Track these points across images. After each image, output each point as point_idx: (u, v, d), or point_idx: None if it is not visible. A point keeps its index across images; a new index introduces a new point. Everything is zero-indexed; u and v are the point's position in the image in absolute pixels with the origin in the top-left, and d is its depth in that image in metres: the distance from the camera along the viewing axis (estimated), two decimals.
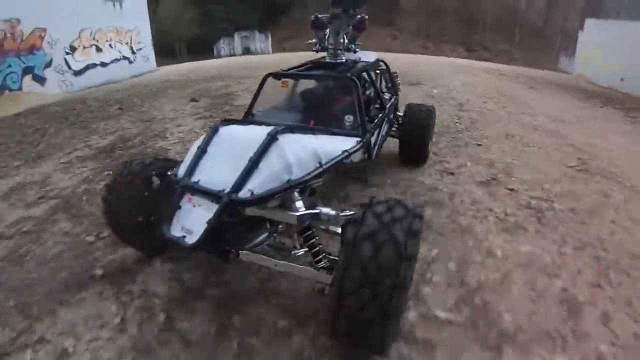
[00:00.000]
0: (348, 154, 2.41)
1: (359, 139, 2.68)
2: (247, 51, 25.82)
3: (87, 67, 10.83)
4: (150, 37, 14.13)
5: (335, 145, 2.38)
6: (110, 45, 11.91)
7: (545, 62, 25.44)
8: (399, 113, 4.35)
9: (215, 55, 26.31)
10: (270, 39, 27.00)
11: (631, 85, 11.58)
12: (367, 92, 3.70)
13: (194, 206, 1.91)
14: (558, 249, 2.94)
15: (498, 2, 38.99)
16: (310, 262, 2.00)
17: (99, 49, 11.38)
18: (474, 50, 34.75)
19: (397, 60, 13.73)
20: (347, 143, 2.51)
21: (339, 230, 1.92)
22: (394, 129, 4.28)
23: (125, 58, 12.56)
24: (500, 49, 35.43)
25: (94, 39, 11.21)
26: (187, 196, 1.95)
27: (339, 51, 3.44)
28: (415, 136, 4.02)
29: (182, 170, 2.08)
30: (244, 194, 1.84)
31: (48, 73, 9.62)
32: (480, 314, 2.29)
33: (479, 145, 5.22)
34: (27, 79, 9.09)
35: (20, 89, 8.85)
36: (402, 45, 30.67)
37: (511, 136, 5.66)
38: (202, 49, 28.40)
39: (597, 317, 2.29)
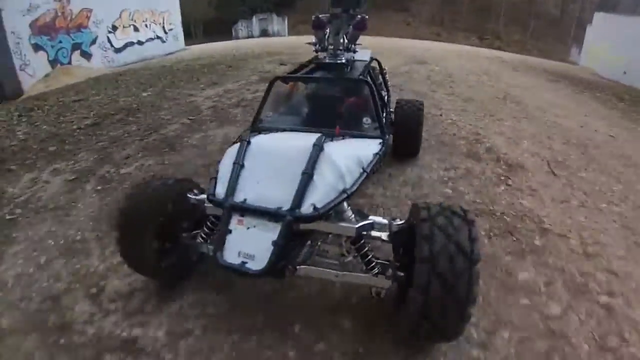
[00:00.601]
0: (380, 156, 2.37)
1: (381, 140, 2.61)
2: (264, 33, 26.26)
3: (126, 45, 11.85)
4: (180, 19, 15.01)
5: (366, 149, 2.34)
6: (146, 25, 12.87)
7: (559, 53, 25.61)
8: (390, 109, 4.35)
9: (233, 37, 26.85)
10: (286, 22, 27.53)
11: (633, 79, 12.23)
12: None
13: (248, 228, 1.83)
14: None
15: None
16: (361, 269, 1.98)
17: (136, 29, 12.38)
18: (486, 38, 34.84)
19: (409, 46, 14.56)
20: (374, 145, 2.46)
21: (384, 236, 1.98)
22: None
23: (158, 37, 13.53)
24: (514, 39, 35.42)
25: (132, 19, 12.16)
26: (236, 218, 1.85)
27: (338, 51, 3.39)
28: (408, 131, 4.01)
29: (220, 189, 1.97)
30: (306, 209, 1.79)
31: (93, 49, 10.64)
32: None
33: (451, 87, 7.86)
34: (76, 54, 10.10)
35: (69, 63, 9.85)
36: (416, 32, 30.85)
37: (467, 86, 8.09)
38: (217, 30, 28.99)
39: None
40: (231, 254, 1.78)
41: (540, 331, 2.16)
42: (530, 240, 2.93)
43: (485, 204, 3.43)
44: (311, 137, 2.08)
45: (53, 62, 9.38)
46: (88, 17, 10.41)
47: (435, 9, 38.62)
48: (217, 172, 2.07)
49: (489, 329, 2.15)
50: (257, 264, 1.71)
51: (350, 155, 2.10)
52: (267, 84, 3.00)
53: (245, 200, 1.87)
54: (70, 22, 9.88)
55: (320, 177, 1.88)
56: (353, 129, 2.73)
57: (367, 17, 3.26)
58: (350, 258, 2.02)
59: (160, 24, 13.65)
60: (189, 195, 2.17)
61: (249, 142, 2.12)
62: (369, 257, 1.94)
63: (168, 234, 2.17)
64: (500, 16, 38.10)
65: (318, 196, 1.83)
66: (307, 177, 1.86)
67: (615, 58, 13.51)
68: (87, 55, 10.39)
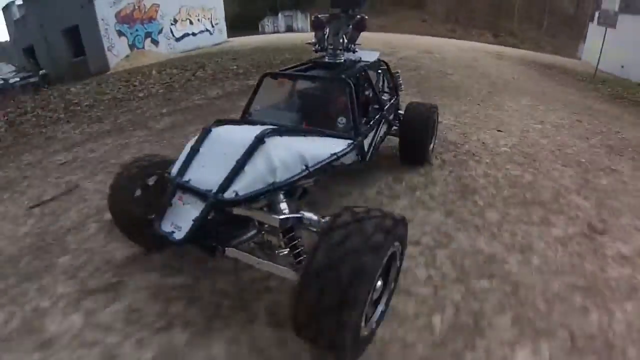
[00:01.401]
0: (337, 157, 2.45)
1: (350, 141, 2.68)
2: (289, 29, 28.45)
3: (184, 36, 14.07)
4: (224, 15, 17.16)
5: (325, 148, 2.43)
6: (198, 20, 15.06)
7: (572, 49, 25.98)
8: (400, 112, 4.27)
9: (260, 32, 28.68)
10: (309, 18, 29.45)
11: (629, 72, 13.76)
12: (367, 93, 3.68)
13: (184, 204, 1.99)
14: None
15: None
16: (291, 262, 2.03)
17: (191, 22, 14.61)
18: (500, 35, 35.52)
19: (423, 42, 16.56)
20: (338, 145, 2.54)
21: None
22: (395, 128, 4.15)
23: (207, 30, 15.74)
24: (528, 36, 35.92)
25: (188, 14, 14.33)
26: (179, 194, 2.02)
27: (338, 51, 3.42)
28: (414, 136, 3.92)
29: (175, 169, 2.12)
30: (229, 194, 1.90)
31: (160, 38, 12.88)
32: None
33: (442, 64, 10.82)
34: (147, 41, 12.32)
35: (143, 47, 12.04)
36: (431, 29, 31.58)
37: (454, 65, 10.97)
38: (242, 25, 30.88)
39: None
40: (166, 224, 1.97)
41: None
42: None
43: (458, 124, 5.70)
44: (262, 131, 2.12)
45: (131, 46, 11.62)
46: (156, 11, 12.65)
47: (451, 6, 39.48)
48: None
49: None
50: (179, 235, 1.90)
51: (294, 152, 2.15)
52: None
53: (189, 180, 2.02)
54: (144, 14, 12.12)
55: (252, 167, 1.97)
56: (327, 127, 2.81)
57: (366, 17, 3.32)
58: (286, 251, 2.07)
59: (209, 19, 15.89)
60: (166, 172, 2.30)
61: (209, 130, 2.22)
62: (298, 250, 2.05)
63: (151, 207, 2.24)
64: (515, 13, 38.94)
65: (243, 184, 1.93)
66: (238, 166, 1.95)
67: (613, 53, 14.48)
68: (155, 42, 12.67)
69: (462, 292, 2.33)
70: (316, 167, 2.24)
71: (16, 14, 13.77)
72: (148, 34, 12.36)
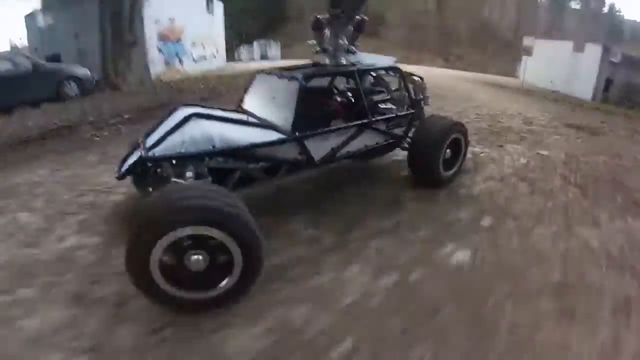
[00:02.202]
0: (252, 145, 2.72)
1: (282, 135, 2.82)
2: (264, 57, 29.88)
3: (200, 58, 16.27)
4: (224, 44, 19.76)
5: (246, 136, 2.76)
6: (206, 45, 17.45)
7: (511, 69, 28.35)
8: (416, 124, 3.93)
9: (236, 59, 30.32)
10: (279, 47, 31.67)
11: (557, 85, 17.52)
12: (344, 98, 3.72)
13: (135, 153, 2.91)
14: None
15: (473, 17, 44.02)
16: None
17: (203, 47, 16.88)
18: (449, 59, 38.98)
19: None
20: (264, 136, 2.80)
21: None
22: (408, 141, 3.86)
23: (213, 55, 18.03)
24: (474, 59, 38.70)
25: (200, 40, 16.74)
26: (140, 146, 2.82)
27: (337, 53, 3.40)
28: (422, 154, 3.63)
29: (147, 131, 3.03)
30: (150, 153, 2.58)
31: (184, 58, 15.07)
32: None
33: None
34: (176, 59, 14.55)
35: (174, 65, 14.30)
36: (387, 54, 33.70)
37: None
38: None
39: None
40: (125, 165, 2.87)
41: None
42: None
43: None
44: (191, 113, 2.83)
45: (165, 63, 13.82)
46: (182, 33, 14.93)
47: (404, 33, 42.65)
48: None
49: None
50: (120, 172, 2.86)
51: (206, 133, 2.66)
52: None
53: (147, 140, 2.81)
54: (175, 35, 14.39)
55: (172, 137, 2.63)
56: (271, 120, 3.02)
57: (366, 18, 3.35)
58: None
59: (213, 44, 18.26)
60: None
61: (175, 109, 3.18)
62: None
63: None
64: (462, 40, 43.19)
65: (161, 148, 2.60)
66: (165, 135, 2.65)
67: (543, 71, 18.79)
68: (181, 61, 14.82)
69: None
70: (223, 147, 2.66)
71: (41, 22, 14.14)
72: (177, 54, 14.59)
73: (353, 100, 3.71)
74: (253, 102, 3.49)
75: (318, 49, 3.49)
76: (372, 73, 3.94)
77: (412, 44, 41.43)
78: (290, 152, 2.92)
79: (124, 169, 2.82)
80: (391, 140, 3.76)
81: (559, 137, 6.84)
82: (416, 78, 4.08)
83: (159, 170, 2.74)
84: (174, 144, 2.58)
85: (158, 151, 2.56)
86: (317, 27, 3.36)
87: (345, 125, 3.30)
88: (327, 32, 3.36)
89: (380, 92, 4.00)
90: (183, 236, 1.89)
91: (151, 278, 1.90)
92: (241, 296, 2.13)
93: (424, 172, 3.76)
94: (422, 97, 4.06)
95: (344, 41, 3.35)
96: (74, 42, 12.48)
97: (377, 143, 3.60)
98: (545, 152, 5.59)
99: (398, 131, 3.78)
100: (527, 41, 17.36)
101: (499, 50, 40.73)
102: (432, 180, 3.78)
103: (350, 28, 3.35)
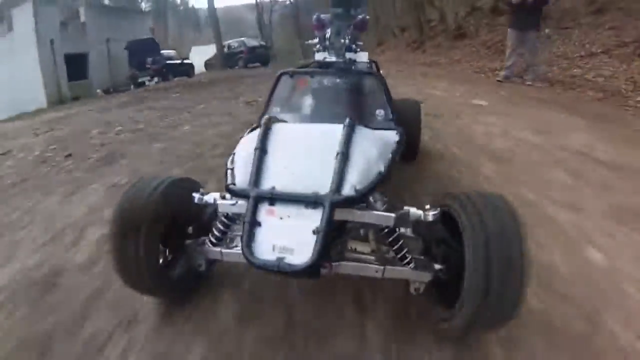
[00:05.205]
0: (401, 146, 2.19)
1: (397, 131, 2.36)
2: None
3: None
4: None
5: (389, 139, 2.17)
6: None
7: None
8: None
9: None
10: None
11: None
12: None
13: (281, 218, 1.50)
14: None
15: None
16: (392, 262, 1.67)
17: None
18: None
19: None
20: (393, 136, 2.27)
21: (408, 231, 1.70)
22: None
23: None
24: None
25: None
26: (266, 208, 1.52)
27: (340, 50, 3.27)
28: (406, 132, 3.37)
29: (241, 178, 1.61)
30: (348, 191, 1.48)
31: None
32: None
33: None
34: None
35: None
36: None
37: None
38: None
39: None
40: (264, 250, 1.44)
41: None
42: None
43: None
44: (348, 121, 1.77)
45: None
46: None
47: None
48: (231, 162, 1.73)
49: None
50: (299, 258, 1.38)
51: (379, 138, 1.90)
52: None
53: (273, 187, 1.54)
54: None
55: (359, 157, 1.59)
56: (366, 122, 2.39)
57: (368, 17, 3.30)
58: (391, 253, 1.66)
59: None
60: (193, 195, 1.76)
61: (269, 128, 1.77)
62: (405, 250, 1.63)
63: (169, 242, 1.77)
64: None
65: (357, 177, 1.53)
66: (344, 156, 1.56)
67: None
68: None
69: None
70: (397, 155, 2.00)
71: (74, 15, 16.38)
72: None
73: None
74: (306, 108, 2.92)
75: (319, 47, 3.51)
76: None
77: None
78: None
79: (304, 251, 1.47)
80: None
81: None
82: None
83: None
84: (368, 164, 1.81)
85: (358, 183, 1.63)
86: (319, 26, 3.39)
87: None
88: (328, 30, 3.39)
89: None
90: None
91: None
92: None
93: (410, 148, 3.54)
94: None
95: (346, 40, 3.34)
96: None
97: None
98: None
99: None
100: None
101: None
102: (413, 154, 3.66)
103: (352, 26, 3.32)
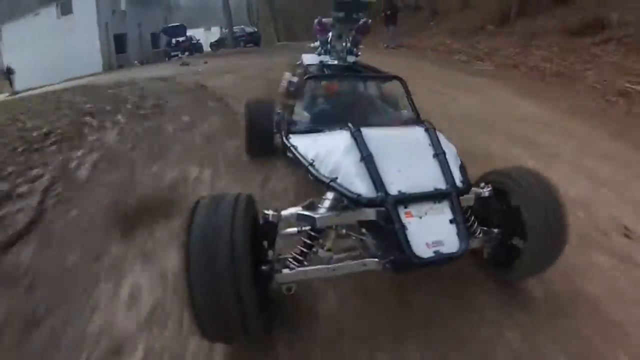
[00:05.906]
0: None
1: (423, 127, 2.27)
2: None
3: None
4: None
5: (441, 136, 2.21)
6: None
7: None
8: None
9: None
10: None
11: None
12: None
13: (420, 217, 1.65)
14: None
15: None
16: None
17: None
18: None
19: None
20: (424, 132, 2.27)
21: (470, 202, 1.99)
22: None
23: None
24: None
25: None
26: (402, 211, 1.65)
27: (342, 54, 3.38)
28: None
29: (364, 189, 1.70)
30: (459, 184, 1.78)
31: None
32: None
33: None
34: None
35: None
36: None
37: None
38: None
39: None
40: (421, 249, 1.57)
41: None
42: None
43: None
44: (423, 125, 2.07)
45: None
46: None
47: None
48: (328, 173, 1.84)
49: None
50: (450, 247, 1.60)
51: (442, 137, 2.03)
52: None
53: (400, 190, 1.69)
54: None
55: (449, 154, 1.88)
56: (395, 120, 2.82)
57: (369, 20, 3.30)
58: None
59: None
60: (265, 212, 1.71)
61: (359, 134, 1.86)
62: (476, 224, 1.98)
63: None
64: None
65: (457, 171, 1.84)
66: (443, 156, 1.83)
67: None
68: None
69: None
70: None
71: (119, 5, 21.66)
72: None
73: None
74: (345, 112, 2.82)
75: (320, 50, 3.57)
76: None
77: None
78: None
79: (452, 240, 1.67)
80: None
81: None
82: None
83: None
84: (455, 161, 1.97)
85: (460, 176, 1.87)
86: (321, 29, 3.44)
87: None
88: (330, 34, 3.43)
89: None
90: None
91: None
92: None
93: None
94: None
95: (347, 43, 3.37)
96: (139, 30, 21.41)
97: None
98: None
99: None
100: None
101: None
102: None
103: (354, 30, 3.30)
